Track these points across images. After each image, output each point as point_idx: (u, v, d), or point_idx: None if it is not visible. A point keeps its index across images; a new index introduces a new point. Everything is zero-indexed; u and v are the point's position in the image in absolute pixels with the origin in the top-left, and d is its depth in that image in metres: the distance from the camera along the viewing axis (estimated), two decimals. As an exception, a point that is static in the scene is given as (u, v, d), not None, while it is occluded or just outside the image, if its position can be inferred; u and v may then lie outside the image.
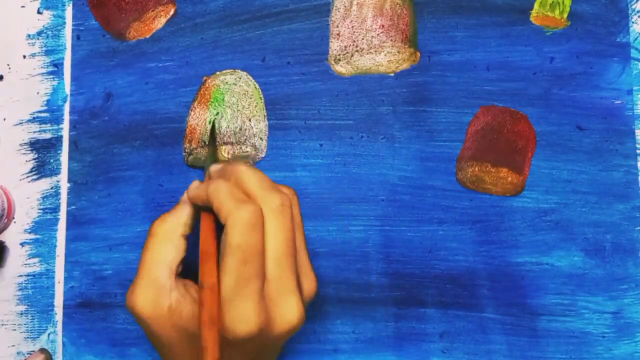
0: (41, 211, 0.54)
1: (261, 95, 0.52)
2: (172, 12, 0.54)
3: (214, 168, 0.44)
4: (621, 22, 0.51)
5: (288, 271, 0.39)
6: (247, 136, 0.52)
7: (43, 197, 0.54)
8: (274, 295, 0.38)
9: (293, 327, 0.39)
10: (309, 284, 0.42)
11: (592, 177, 0.51)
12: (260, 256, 0.38)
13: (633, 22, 0.51)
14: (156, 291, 0.39)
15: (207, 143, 0.46)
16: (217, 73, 0.53)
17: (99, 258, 0.53)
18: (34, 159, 0.54)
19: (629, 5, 0.52)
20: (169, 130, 0.53)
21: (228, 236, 0.37)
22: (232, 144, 0.52)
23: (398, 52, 0.52)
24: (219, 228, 0.40)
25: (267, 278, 0.38)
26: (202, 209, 0.41)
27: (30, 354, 0.52)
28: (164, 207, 0.52)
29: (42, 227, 0.54)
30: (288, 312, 0.38)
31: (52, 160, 0.54)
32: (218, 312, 0.37)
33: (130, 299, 0.40)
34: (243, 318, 0.37)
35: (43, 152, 0.54)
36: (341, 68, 0.52)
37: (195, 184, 0.42)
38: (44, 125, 0.54)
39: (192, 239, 0.43)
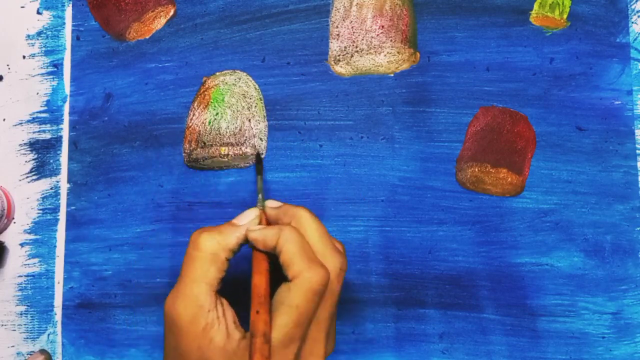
0: (41, 211, 0.54)
1: (261, 96, 0.52)
2: (171, 13, 0.54)
3: (272, 205, 0.44)
4: (621, 22, 0.51)
5: (323, 334, 0.40)
6: (247, 137, 0.52)
7: (43, 198, 0.54)
8: (305, 356, 0.40)
9: None
10: (331, 346, 0.42)
11: (591, 177, 0.51)
12: (311, 321, 0.39)
13: (632, 22, 0.51)
14: (196, 307, 0.40)
15: (257, 174, 0.47)
16: (217, 74, 0.53)
17: (98, 259, 0.53)
18: (33, 159, 0.54)
19: (629, 6, 0.52)
20: (169, 131, 0.53)
21: (291, 295, 0.38)
22: (232, 144, 0.52)
23: (398, 52, 0.52)
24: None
25: (305, 338, 0.39)
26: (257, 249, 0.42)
27: (31, 354, 0.52)
28: (164, 207, 0.52)
29: (42, 227, 0.54)
30: None
31: (51, 161, 0.54)
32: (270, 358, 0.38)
33: (171, 306, 0.40)
34: None
35: (43, 152, 0.54)
36: (341, 69, 0.52)
37: (255, 221, 0.43)
38: (43, 126, 0.54)
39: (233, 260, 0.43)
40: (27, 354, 0.53)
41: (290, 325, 0.38)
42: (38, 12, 0.55)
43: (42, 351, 0.52)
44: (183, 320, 0.39)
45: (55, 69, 0.54)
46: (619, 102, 0.51)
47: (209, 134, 0.52)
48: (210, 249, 0.41)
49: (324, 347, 0.40)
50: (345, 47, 0.52)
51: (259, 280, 0.40)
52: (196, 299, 0.40)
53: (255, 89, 0.52)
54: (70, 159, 0.54)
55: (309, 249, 0.40)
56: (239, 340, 0.39)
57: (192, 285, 0.40)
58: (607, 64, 0.51)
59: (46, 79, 0.54)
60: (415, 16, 0.52)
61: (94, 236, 0.53)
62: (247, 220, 0.43)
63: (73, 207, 0.53)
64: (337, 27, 0.52)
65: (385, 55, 0.52)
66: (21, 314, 0.53)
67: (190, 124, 0.53)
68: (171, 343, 0.40)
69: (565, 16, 0.52)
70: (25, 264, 0.53)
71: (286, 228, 0.41)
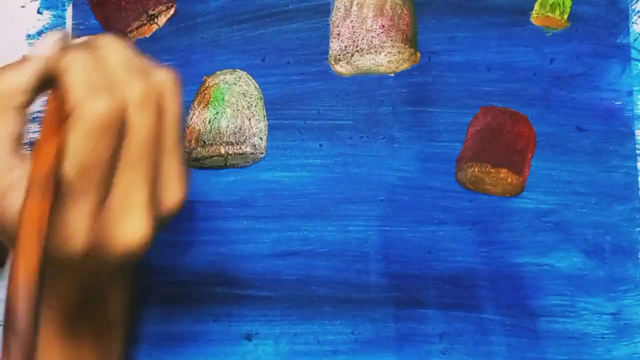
0: (40, 211, 0.54)
1: (261, 95, 0.52)
2: (172, 12, 0.54)
3: (78, 40, 0.35)
4: (621, 23, 0.52)
5: (140, 179, 0.32)
6: (246, 136, 0.52)
7: (42, 197, 0.54)
8: (117, 207, 0.32)
9: (133, 247, 0.32)
10: (173, 195, 0.34)
11: (591, 178, 0.51)
12: (103, 166, 0.31)
13: (633, 23, 0.51)
14: None
15: None
16: (217, 72, 0.53)
17: (98, 257, 0.53)
18: (33, 158, 0.54)
19: (629, 6, 0.52)
20: (169, 130, 0.53)
21: (69, 135, 0.30)
22: (231, 143, 0.52)
23: (398, 52, 0.52)
24: None
25: (114, 185, 0.32)
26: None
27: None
28: (163, 206, 0.52)
29: (41, 226, 0.53)
30: (129, 230, 0.32)
31: (51, 160, 0.54)
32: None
33: None
34: (70, 235, 0.31)
35: (42, 151, 0.54)
36: (341, 68, 0.52)
37: (49, 38, 0.33)
38: (43, 125, 0.54)
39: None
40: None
41: (72, 174, 0.29)
42: (38, 12, 0.55)
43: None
44: None
45: (56, 69, 0.54)
46: (620, 103, 0.51)
47: (209, 133, 0.52)
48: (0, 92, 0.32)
49: (145, 194, 0.32)
50: (345, 47, 0.52)
51: (46, 117, 0.31)
52: None
53: (256, 88, 0.52)
54: (70, 158, 0.54)
55: (96, 75, 0.31)
56: None
57: None
58: (608, 65, 0.51)
59: (46, 78, 0.54)
60: (416, 16, 0.52)
61: (93, 235, 0.53)
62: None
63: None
64: (337, 26, 0.52)
65: (385, 55, 0.52)
66: (20, 314, 0.53)
67: (190, 123, 0.53)
68: None
69: (565, 16, 0.52)
70: (24, 263, 0.53)
71: (74, 48, 0.32)
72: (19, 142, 0.32)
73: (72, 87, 0.30)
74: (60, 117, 0.31)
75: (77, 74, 0.31)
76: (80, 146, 0.30)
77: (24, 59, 0.32)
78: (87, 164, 0.30)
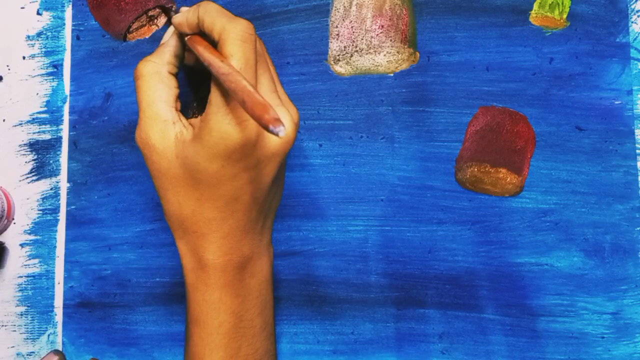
0: (41, 212, 0.54)
1: (260, 96, 0.52)
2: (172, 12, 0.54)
3: (182, 10, 0.44)
4: (621, 22, 0.51)
5: (276, 90, 0.42)
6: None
7: (43, 198, 0.54)
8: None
9: (287, 138, 0.41)
10: (293, 110, 0.42)
11: (591, 177, 0.51)
12: (252, 70, 0.39)
13: (632, 22, 0.51)
14: (161, 123, 0.41)
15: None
16: (217, 73, 0.53)
17: (98, 258, 0.53)
18: (33, 159, 0.54)
19: (629, 6, 0.51)
20: (169, 131, 0.53)
21: (224, 48, 0.38)
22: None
23: (397, 52, 0.52)
24: None
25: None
26: (189, 36, 0.42)
27: (31, 354, 0.52)
28: (164, 207, 0.52)
29: (42, 228, 0.54)
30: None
31: (51, 161, 0.54)
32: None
33: (140, 135, 0.41)
34: (240, 121, 0.38)
35: (43, 153, 0.54)
36: (340, 68, 0.52)
37: (178, 15, 0.43)
38: (43, 126, 0.54)
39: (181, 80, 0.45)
40: (27, 355, 0.53)
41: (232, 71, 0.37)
42: (38, 13, 0.55)
43: (56, 351, 0.52)
44: (154, 139, 0.41)
45: (55, 70, 0.55)
46: (619, 102, 0.51)
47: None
48: (149, 70, 0.42)
49: (280, 100, 0.42)
50: (344, 47, 0.52)
51: (209, 51, 0.39)
52: (158, 116, 0.41)
53: (255, 88, 0.52)
54: (70, 158, 0.54)
55: (226, 11, 0.41)
56: None
57: (150, 108, 0.41)
58: (607, 64, 0.51)
59: (46, 79, 0.55)
60: (415, 16, 0.52)
61: (93, 235, 0.53)
62: (169, 34, 0.45)
63: (73, 207, 0.54)
64: (336, 27, 0.52)
65: (384, 55, 0.52)
66: (21, 315, 0.53)
67: (190, 124, 0.53)
68: (154, 168, 0.42)
69: (565, 16, 0.52)
70: (25, 265, 0.54)
71: (203, 2, 0.42)
72: (175, 104, 0.42)
73: (214, 21, 0.40)
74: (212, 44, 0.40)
75: (213, 13, 0.40)
76: (233, 51, 0.38)
77: (160, 45, 0.44)
78: (240, 65, 0.38)
